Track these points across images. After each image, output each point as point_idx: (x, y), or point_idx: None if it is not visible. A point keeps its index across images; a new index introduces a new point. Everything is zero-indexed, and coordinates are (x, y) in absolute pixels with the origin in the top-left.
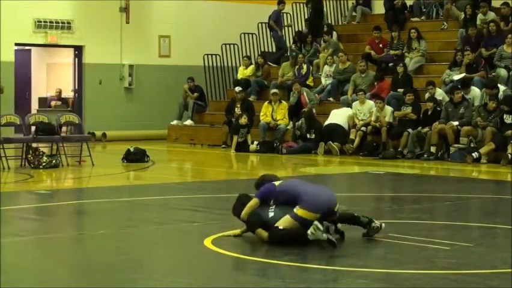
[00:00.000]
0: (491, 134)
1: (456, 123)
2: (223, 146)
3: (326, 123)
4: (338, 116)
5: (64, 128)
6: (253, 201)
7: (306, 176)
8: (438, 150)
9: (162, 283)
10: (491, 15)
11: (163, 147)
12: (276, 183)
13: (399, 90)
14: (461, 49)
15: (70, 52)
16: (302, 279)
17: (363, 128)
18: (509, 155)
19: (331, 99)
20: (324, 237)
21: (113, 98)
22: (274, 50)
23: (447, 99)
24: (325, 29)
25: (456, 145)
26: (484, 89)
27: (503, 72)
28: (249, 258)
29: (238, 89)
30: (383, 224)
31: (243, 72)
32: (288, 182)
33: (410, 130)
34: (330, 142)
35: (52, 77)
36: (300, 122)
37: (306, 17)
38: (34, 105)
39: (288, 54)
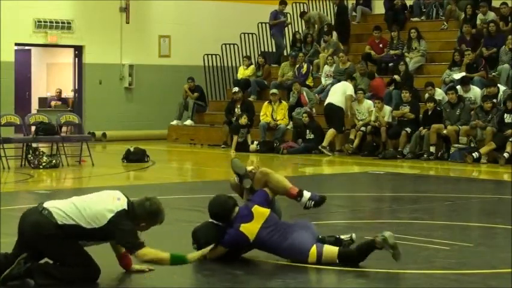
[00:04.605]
0: (492, 133)
1: (454, 127)
2: (223, 146)
3: (326, 101)
4: (337, 94)
5: (64, 128)
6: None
7: (304, 177)
8: (438, 150)
9: (162, 283)
10: (491, 15)
11: (163, 147)
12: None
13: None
14: (461, 49)
15: (70, 52)
16: (302, 279)
17: (362, 128)
18: (507, 154)
19: None
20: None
21: (113, 98)
22: (274, 50)
23: (447, 99)
24: (325, 29)
25: (456, 145)
26: (485, 88)
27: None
28: (249, 258)
29: (235, 89)
30: (353, 235)
31: (243, 72)
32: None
33: (407, 129)
34: (327, 146)
35: (52, 77)
36: (296, 112)
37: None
38: (34, 105)
39: (288, 53)
